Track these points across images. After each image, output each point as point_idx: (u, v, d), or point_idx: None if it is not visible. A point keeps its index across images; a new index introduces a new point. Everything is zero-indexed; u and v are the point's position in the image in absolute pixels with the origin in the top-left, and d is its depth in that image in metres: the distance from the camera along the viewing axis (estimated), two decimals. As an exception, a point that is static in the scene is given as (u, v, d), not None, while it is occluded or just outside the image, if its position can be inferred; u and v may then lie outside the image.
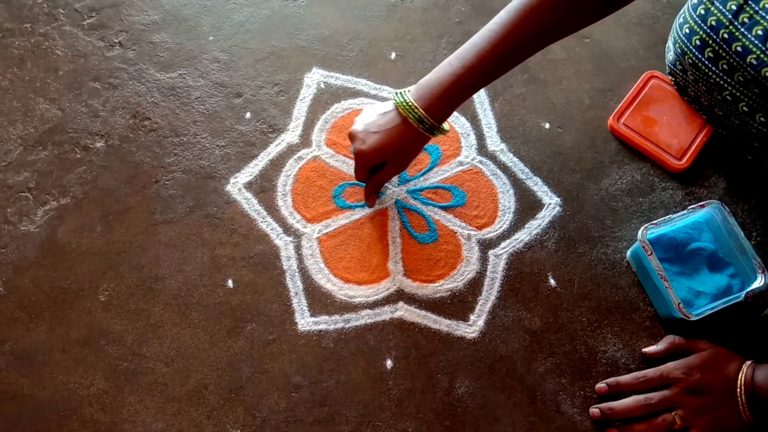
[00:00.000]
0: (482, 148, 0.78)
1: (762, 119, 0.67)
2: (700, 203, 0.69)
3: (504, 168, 0.76)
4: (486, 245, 0.72)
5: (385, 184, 0.75)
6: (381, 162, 0.67)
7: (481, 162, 0.77)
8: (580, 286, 0.70)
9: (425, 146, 0.77)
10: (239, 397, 0.65)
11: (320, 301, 0.69)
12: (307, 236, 0.73)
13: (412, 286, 0.70)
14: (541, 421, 0.64)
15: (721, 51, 0.66)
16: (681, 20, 0.73)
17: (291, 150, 0.77)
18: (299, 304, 0.69)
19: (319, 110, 0.80)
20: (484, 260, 0.72)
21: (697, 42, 0.69)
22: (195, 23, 0.85)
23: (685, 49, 0.71)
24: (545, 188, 0.75)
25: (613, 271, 0.71)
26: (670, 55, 0.78)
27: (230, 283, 0.70)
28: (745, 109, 0.68)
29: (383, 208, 0.74)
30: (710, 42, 0.67)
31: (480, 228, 0.73)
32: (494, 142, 0.78)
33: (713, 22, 0.66)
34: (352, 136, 0.67)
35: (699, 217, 0.70)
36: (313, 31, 0.85)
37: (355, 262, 0.71)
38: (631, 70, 0.81)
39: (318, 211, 0.74)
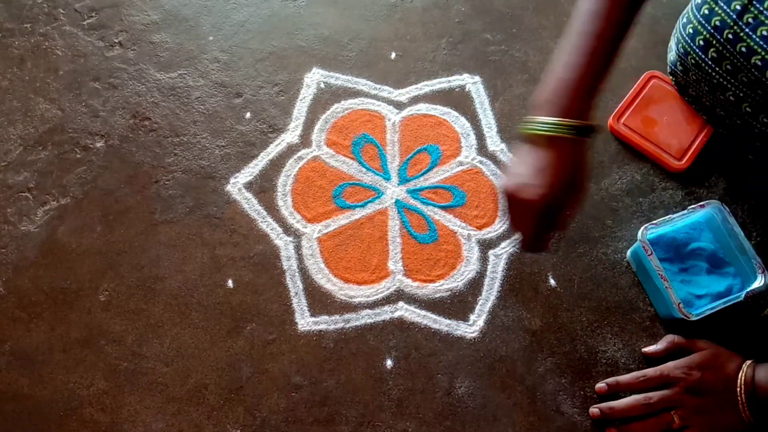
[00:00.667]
0: (482, 148, 0.78)
1: (765, 120, 0.67)
2: (700, 203, 0.69)
3: (504, 168, 0.76)
4: (486, 245, 0.72)
5: (385, 185, 0.75)
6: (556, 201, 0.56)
7: (481, 162, 0.77)
8: (580, 286, 0.70)
9: (425, 146, 0.77)
10: (239, 397, 0.65)
11: (320, 301, 0.69)
12: (307, 236, 0.73)
13: (412, 286, 0.70)
14: (541, 421, 0.64)
15: (725, 51, 0.66)
16: (684, 20, 0.72)
17: (291, 150, 0.77)
18: (299, 304, 0.69)
19: (319, 110, 0.80)
20: (484, 260, 0.72)
21: (701, 42, 0.69)
22: (195, 23, 0.85)
23: (688, 49, 0.71)
24: (545, 188, 0.75)
25: (613, 271, 0.71)
26: (671, 55, 0.78)
27: (230, 283, 0.70)
28: (748, 109, 0.68)
29: (383, 208, 0.74)
30: (714, 42, 0.67)
31: (480, 228, 0.73)
32: (494, 142, 0.78)
33: (717, 22, 0.66)
34: (514, 189, 0.55)
35: (699, 217, 0.70)
36: (313, 31, 0.85)
37: (355, 262, 0.71)
38: (631, 70, 0.81)
39: (318, 211, 0.74)
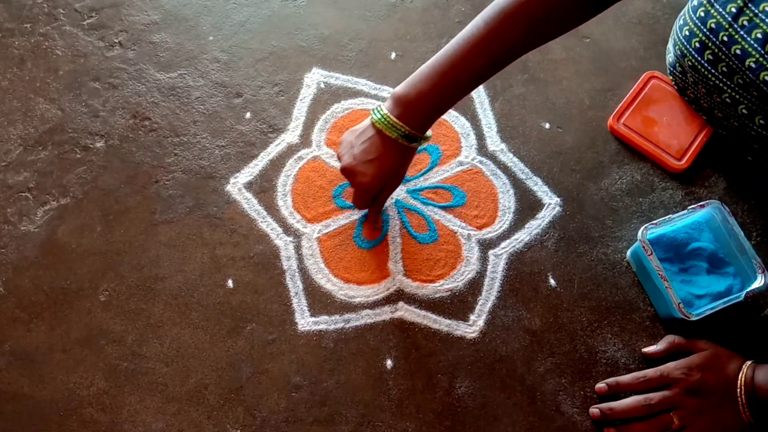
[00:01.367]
0: (482, 148, 0.78)
1: (761, 122, 0.67)
2: (700, 203, 0.69)
3: (504, 168, 0.76)
4: (486, 245, 0.72)
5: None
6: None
7: (481, 162, 0.77)
8: (580, 286, 0.70)
9: (425, 146, 0.77)
10: (239, 397, 0.65)
11: (320, 301, 0.69)
12: (307, 236, 0.73)
13: (412, 286, 0.70)
14: (541, 421, 0.64)
15: (720, 54, 0.66)
16: (681, 22, 0.73)
17: (291, 150, 0.77)
18: (299, 304, 0.69)
19: (319, 110, 0.80)
20: (484, 260, 0.72)
21: (697, 44, 0.69)
22: (195, 23, 0.85)
23: (685, 51, 0.71)
24: (545, 188, 0.75)
25: (613, 271, 0.71)
26: (670, 57, 0.78)
27: (230, 283, 0.70)
28: (744, 111, 0.68)
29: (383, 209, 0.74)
30: (710, 44, 0.67)
31: (480, 228, 0.73)
32: (494, 142, 0.78)
33: (713, 25, 0.66)
34: (349, 172, 0.64)
35: (699, 217, 0.70)
36: (313, 31, 0.85)
37: (355, 262, 0.71)
38: (631, 70, 0.81)
39: (318, 211, 0.74)
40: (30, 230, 0.73)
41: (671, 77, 0.79)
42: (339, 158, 0.66)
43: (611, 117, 0.77)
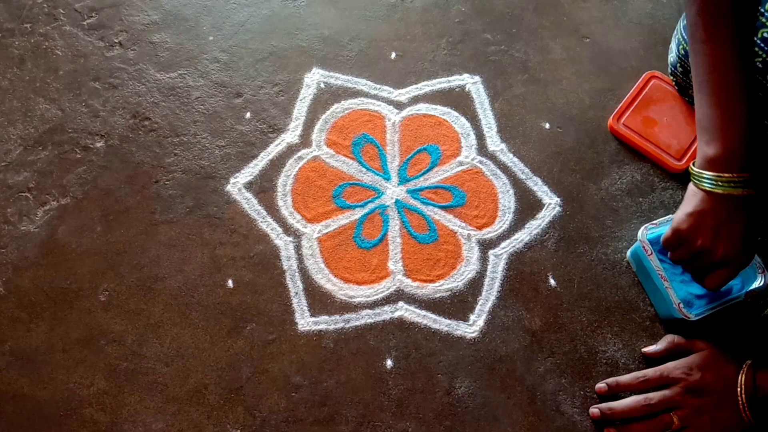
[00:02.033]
0: (482, 148, 0.78)
1: (765, 122, 0.67)
2: (700, 203, 0.69)
3: (504, 168, 0.76)
4: (486, 245, 0.72)
5: (385, 185, 0.75)
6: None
7: (481, 162, 0.77)
8: (580, 286, 0.70)
9: (425, 146, 0.77)
10: (239, 397, 0.65)
11: (320, 301, 0.69)
12: (307, 236, 0.73)
13: (412, 286, 0.70)
14: (541, 421, 0.64)
15: None
16: (685, 21, 0.72)
17: (291, 150, 0.77)
18: (299, 304, 0.69)
19: (319, 110, 0.80)
20: (484, 260, 0.72)
21: None
22: (195, 23, 0.85)
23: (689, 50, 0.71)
24: (545, 188, 0.75)
25: (613, 271, 0.71)
26: (672, 56, 0.78)
27: (230, 283, 0.70)
28: None
29: (383, 208, 0.74)
30: None
31: (480, 228, 0.73)
32: (494, 142, 0.78)
33: None
34: (687, 236, 0.59)
35: (699, 217, 0.70)
36: (313, 31, 0.85)
37: (355, 262, 0.71)
38: (631, 70, 0.81)
39: (318, 211, 0.74)
40: (30, 230, 0.73)
41: (672, 77, 0.79)
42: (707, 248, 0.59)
43: (611, 117, 0.77)
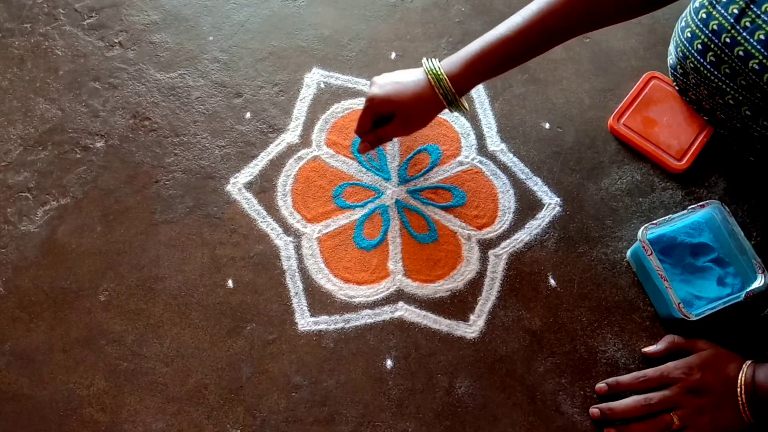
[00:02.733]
0: (482, 148, 0.78)
1: (764, 123, 0.67)
2: (700, 203, 0.69)
3: (504, 168, 0.76)
4: (486, 245, 0.72)
5: (385, 185, 0.75)
6: (389, 115, 0.67)
7: (481, 162, 0.77)
8: (580, 286, 0.70)
9: (425, 146, 0.77)
10: (239, 397, 0.65)
11: (320, 301, 0.69)
12: (307, 236, 0.73)
13: (412, 286, 0.70)
14: (541, 421, 0.64)
15: (723, 55, 0.66)
16: (683, 24, 0.72)
17: (291, 150, 0.77)
18: (299, 304, 0.69)
19: (319, 110, 0.80)
20: (484, 260, 0.72)
21: (699, 46, 0.69)
22: (195, 23, 0.85)
23: (687, 53, 0.71)
24: (545, 188, 0.75)
25: (613, 271, 0.71)
26: (671, 59, 0.78)
27: (230, 283, 0.70)
28: (747, 113, 0.68)
29: (383, 208, 0.74)
30: (712, 46, 0.67)
31: (480, 228, 0.73)
32: (494, 142, 0.78)
33: (715, 27, 0.66)
34: (372, 83, 0.68)
35: (699, 217, 0.70)
36: (313, 31, 0.85)
37: (355, 262, 0.71)
38: (631, 70, 0.81)
39: (318, 211, 0.74)
40: (30, 230, 0.73)
41: (672, 79, 0.79)
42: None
43: (611, 117, 0.77)
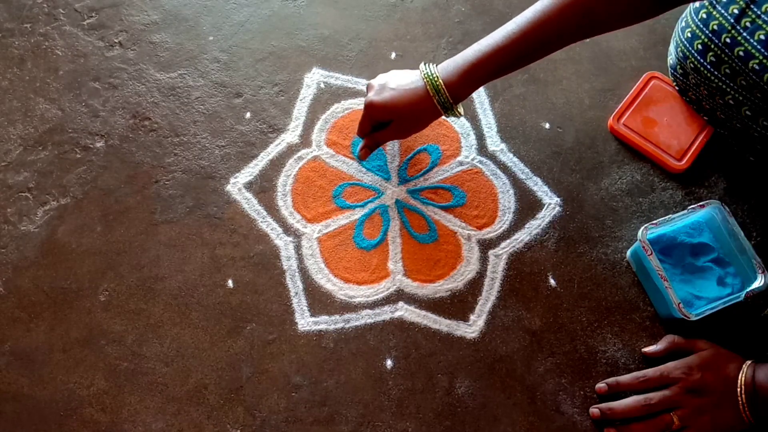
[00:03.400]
0: (482, 148, 0.78)
1: (765, 123, 0.67)
2: (700, 203, 0.69)
3: (504, 168, 0.76)
4: (486, 245, 0.72)
5: (385, 185, 0.75)
6: (386, 121, 0.68)
7: (481, 162, 0.77)
8: (580, 286, 0.70)
9: (425, 146, 0.77)
10: (239, 397, 0.65)
11: (320, 301, 0.69)
12: (307, 236, 0.73)
13: (412, 286, 0.70)
14: (541, 421, 0.64)
15: (723, 55, 0.66)
16: (683, 24, 0.72)
17: (291, 150, 0.77)
18: (299, 304, 0.69)
19: (319, 110, 0.80)
20: (484, 260, 0.72)
21: (699, 46, 0.69)
22: (195, 23, 0.85)
23: (687, 53, 0.71)
24: (545, 188, 0.75)
25: (613, 271, 0.71)
26: (671, 59, 0.78)
27: (230, 283, 0.70)
28: (747, 113, 0.68)
29: (383, 208, 0.74)
30: (712, 46, 0.67)
31: (480, 228, 0.73)
32: (494, 142, 0.78)
33: (715, 27, 0.66)
34: (369, 87, 0.69)
35: (699, 217, 0.70)
36: (313, 31, 0.85)
37: (355, 262, 0.71)
38: (631, 70, 0.81)
39: (318, 211, 0.74)
40: (30, 230, 0.73)
41: (672, 79, 0.79)
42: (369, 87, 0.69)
43: (611, 117, 0.77)
